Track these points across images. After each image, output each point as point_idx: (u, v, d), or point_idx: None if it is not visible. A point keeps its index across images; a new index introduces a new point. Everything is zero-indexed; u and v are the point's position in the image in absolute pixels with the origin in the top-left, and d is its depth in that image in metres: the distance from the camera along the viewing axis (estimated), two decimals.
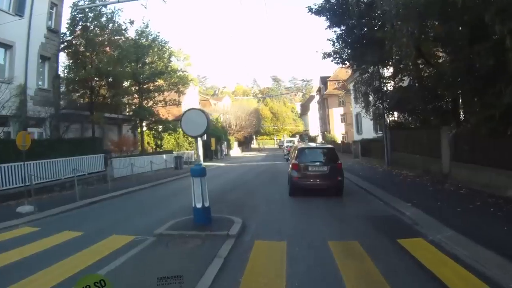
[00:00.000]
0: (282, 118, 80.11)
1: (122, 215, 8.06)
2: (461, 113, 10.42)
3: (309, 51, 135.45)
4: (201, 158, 22.48)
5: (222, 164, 25.46)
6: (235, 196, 9.71)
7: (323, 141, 39.73)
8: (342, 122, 47.26)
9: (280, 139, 78.07)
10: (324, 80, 50.90)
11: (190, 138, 26.16)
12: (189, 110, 5.85)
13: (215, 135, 30.81)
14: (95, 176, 13.72)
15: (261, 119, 68.47)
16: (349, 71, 48.33)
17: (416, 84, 11.36)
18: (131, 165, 14.22)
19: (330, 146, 12.21)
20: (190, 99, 34.34)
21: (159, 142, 27.71)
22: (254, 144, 74.55)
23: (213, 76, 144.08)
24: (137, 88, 21.49)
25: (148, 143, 27.92)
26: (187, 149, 26.42)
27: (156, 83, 22.70)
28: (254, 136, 71.24)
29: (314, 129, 68.77)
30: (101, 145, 14.85)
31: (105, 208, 9.04)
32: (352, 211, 7.39)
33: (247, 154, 43.62)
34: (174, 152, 23.56)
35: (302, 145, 12.26)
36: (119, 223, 6.99)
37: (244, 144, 54.38)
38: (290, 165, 9.89)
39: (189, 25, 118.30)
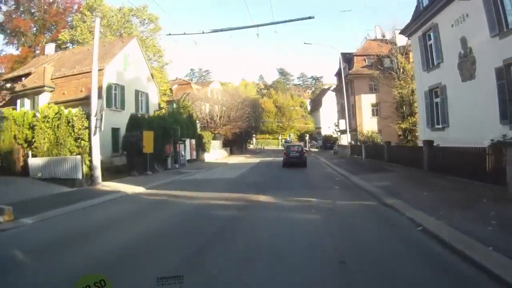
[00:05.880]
0: (289, 113, 65.30)
1: None
2: None
3: (318, 47, 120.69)
4: (95, 171, 7.49)
5: (131, 191, 11.17)
6: None
7: (351, 142, 25.00)
8: (373, 115, 32.49)
9: (285, 138, 63.48)
10: (348, 58, 36.12)
11: (79, 131, 12.06)
12: None
13: (156, 127, 16.51)
14: None
15: (261, 111, 53.99)
16: (383, 45, 34.08)
17: None
18: None
19: (299, 143, 26.86)
20: (124, 58, 20.01)
21: (29, 136, 13.71)
22: (254, 144, 60.11)
23: (218, 71, 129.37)
24: None
25: (15, 137, 14.02)
26: (71, 152, 12.28)
27: None
28: (253, 134, 56.59)
29: (327, 127, 54.10)
30: None
31: None
32: None
33: (233, 159, 29.18)
34: None
35: (288, 143, 27.26)
36: None
37: (236, 143, 39.95)
38: (283, 153, 19.47)
39: (192, 20, 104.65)
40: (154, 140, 15.86)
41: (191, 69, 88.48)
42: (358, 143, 23.39)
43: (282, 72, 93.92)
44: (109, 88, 18.93)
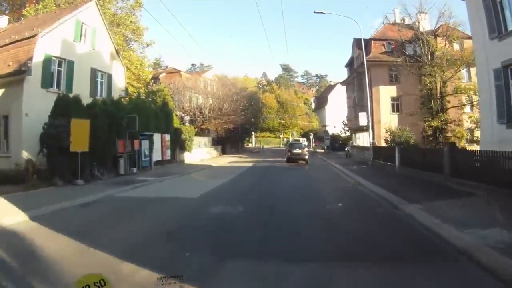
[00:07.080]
0: (292, 110, 59.97)
1: None
2: None
3: (326, 38, 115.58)
4: None
5: None
6: None
7: (374, 142, 19.62)
8: (394, 111, 27.21)
9: (288, 137, 58.22)
10: (365, 43, 30.57)
11: None
12: None
13: (98, 114, 11.39)
14: None
15: (261, 106, 48.77)
16: (404, 31, 29.09)
17: None
18: None
19: (300, 142, 29.39)
20: (76, 25, 14.74)
21: None
22: (253, 143, 54.91)
23: (220, 67, 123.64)
24: None
25: None
26: None
27: None
28: (253, 132, 51.32)
29: (333, 126, 48.81)
30: None
31: None
32: None
33: (222, 161, 24.10)
34: None
35: (291, 141, 35.21)
36: None
37: (230, 141, 34.86)
38: (286, 151, 22.39)
39: (197, 14, 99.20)
40: (93, 132, 10.78)
41: (192, 64, 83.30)
42: (388, 144, 17.92)
43: (286, 69, 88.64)
44: (47, 61, 13.82)
